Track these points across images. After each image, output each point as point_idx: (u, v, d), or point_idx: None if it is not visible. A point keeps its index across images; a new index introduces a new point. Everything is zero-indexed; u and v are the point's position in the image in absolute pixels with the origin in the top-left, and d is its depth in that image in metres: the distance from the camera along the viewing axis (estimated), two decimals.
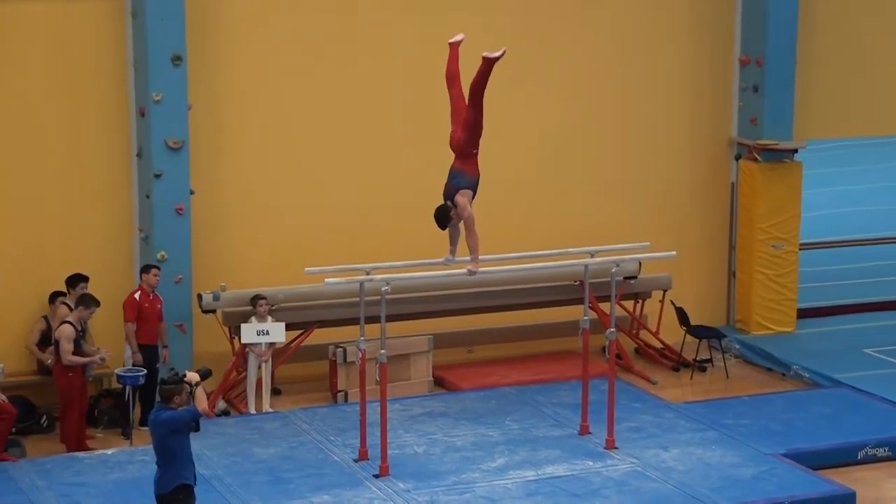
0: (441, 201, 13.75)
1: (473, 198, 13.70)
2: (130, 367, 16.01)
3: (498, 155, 16.64)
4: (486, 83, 13.53)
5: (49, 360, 16.03)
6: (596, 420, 15.59)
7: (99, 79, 16.71)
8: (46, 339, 16.23)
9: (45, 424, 16.33)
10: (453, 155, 13.75)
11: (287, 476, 14.57)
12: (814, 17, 19.27)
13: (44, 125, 16.63)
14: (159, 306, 16.37)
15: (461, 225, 13.80)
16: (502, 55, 13.53)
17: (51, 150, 16.68)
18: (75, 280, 16.20)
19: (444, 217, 13.74)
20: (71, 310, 15.92)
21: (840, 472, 15.07)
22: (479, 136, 13.69)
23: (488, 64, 13.49)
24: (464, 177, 13.69)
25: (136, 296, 16.25)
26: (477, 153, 13.72)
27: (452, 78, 13.75)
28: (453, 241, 14.10)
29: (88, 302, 15.68)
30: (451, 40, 13.72)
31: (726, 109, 19.45)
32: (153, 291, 16.34)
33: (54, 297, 16.33)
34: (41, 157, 16.65)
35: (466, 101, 13.60)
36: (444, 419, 16.23)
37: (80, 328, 15.59)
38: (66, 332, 15.48)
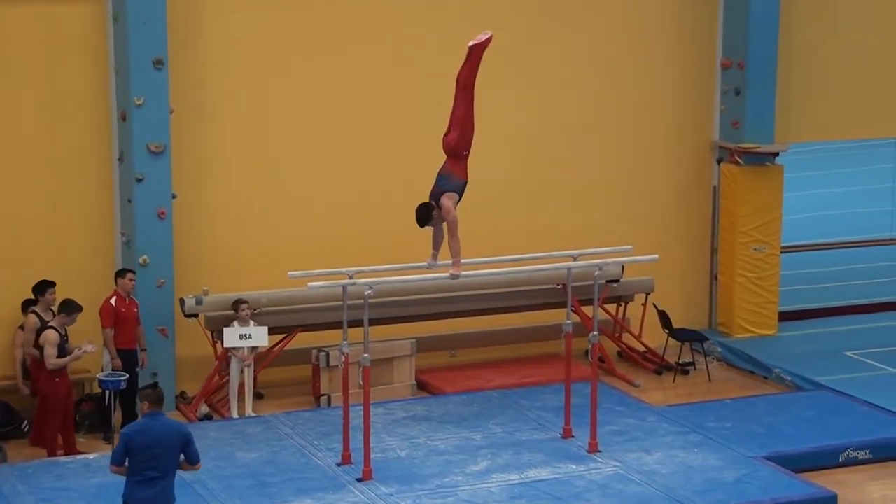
0: None
1: (459, 201, 13.68)
2: (110, 371, 15.94)
3: (481, 158, 16.61)
4: (475, 75, 13.34)
5: (26, 390, 15.98)
6: (579, 423, 15.59)
7: (80, 82, 16.65)
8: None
9: (26, 429, 16.25)
10: (441, 158, 13.73)
11: (270, 480, 14.54)
12: (795, 21, 19.29)
13: (24, 129, 16.56)
14: (136, 310, 16.28)
15: (445, 228, 13.79)
16: (489, 40, 13.32)
17: (32, 154, 16.62)
18: (42, 287, 15.92)
19: (424, 215, 13.69)
20: (40, 319, 15.80)
21: (822, 475, 15.09)
22: (471, 137, 13.61)
23: (475, 52, 13.33)
24: (451, 180, 13.65)
25: (112, 301, 16.12)
26: (468, 155, 13.67)
27: (458, 81, 13.53)
28: (436, 244, 14.06)
29: (70, 308, 15.50)
30: (471, 42, 13.41)
31: (708, 113, 19.47)
32: (129, 296, 16.26)
33: (26, 305, 16.19)
34: (22, 161, 16.59)
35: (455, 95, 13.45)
36: (427, 423, 16.21)
37: (63, 333, 15.52)
38: (50, 338, 15.35)
